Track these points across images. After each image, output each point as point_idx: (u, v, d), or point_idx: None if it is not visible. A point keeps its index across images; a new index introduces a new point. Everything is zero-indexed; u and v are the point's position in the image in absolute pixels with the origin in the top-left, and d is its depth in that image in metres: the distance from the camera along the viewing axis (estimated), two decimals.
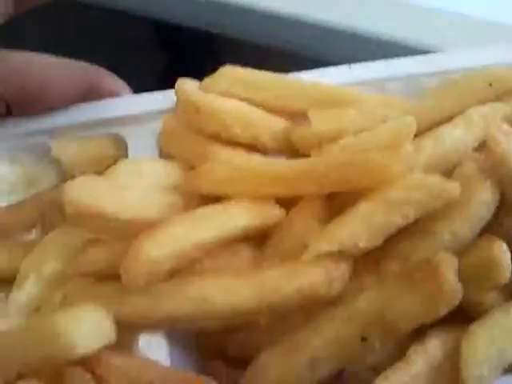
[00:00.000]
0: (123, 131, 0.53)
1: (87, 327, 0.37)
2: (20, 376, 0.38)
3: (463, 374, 0.37)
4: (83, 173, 0.50)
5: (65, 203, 0.38)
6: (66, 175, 0.53)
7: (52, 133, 0.53)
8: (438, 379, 0.38)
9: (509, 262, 0.40)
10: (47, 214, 0.47)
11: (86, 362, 0.38)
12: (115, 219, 0.40)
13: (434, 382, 0.38)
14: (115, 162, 0.51)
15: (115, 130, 0.53)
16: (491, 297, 0.42)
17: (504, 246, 0.41)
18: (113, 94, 0.54)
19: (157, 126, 0.52)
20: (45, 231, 0.48)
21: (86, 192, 0.39)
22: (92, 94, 0.54)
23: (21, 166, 0.54)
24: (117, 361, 0.37)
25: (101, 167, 0.51)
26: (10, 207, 0.50)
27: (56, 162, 0.53)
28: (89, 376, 0.37)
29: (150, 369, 0.37)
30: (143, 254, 0.38)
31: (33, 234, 0.49)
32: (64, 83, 0.53)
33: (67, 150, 0.51)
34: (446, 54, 0.55)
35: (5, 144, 0.54)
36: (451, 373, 0.38)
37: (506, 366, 0.39)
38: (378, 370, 0.40)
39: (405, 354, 0.39)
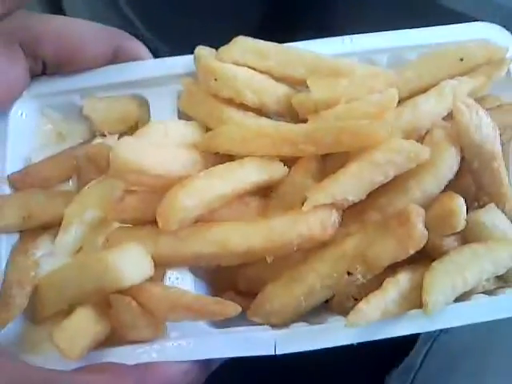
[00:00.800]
0: (146, 92, 0.59)
1: (131, 263, 0.46)
2: (72, 306, 0.47)
3: (424, 299, 0.47)
4: (111, 130, 0.58)
5: (113, 159, 0.46)
6: (94, 132, 0.59)
7: (81, 93, 0.59)
8: (406, 304, 0.49)
9: (465, 213, 0.50)
10: (83, 166, 0.54)
11: (130, 292, 0.47)
12: (150, 173, 0.48)
13: (403, 306, 0.48)
14: (139, 120, 0.58)
15: (139, 91, 0.59)
16: (449, 241, 0.52)
17: (462, 201, 0.50)
18: (136, 57, 0.59)
19: (176, 88, 0.59)
20: (80, 182, 0.55)
21: (130, 150, 0.46)
22: (118, 56, 0.59)
23: (51, 122, 0.60)
24: (157, 290, 0.47)
25: (126, 125, 0.59)
26: (47, 160, 0.56)
27: (83, 120, 0.59)
28: (134, 303, 0.46)
29: (185, 295, 0.46)
30: (177, 202, 0.46)
31: (69, 185, 0.56)
32: (96, 46, 0.57)
33: (97, 109, 0.58)
34: (425, 30, 0.62)
35: (38, 101, 0.59)
36: (416, 299, 0.48)
37: (458, 295, 0.50)
38: (359, 299, 0.49)
39: (381, 287, 0.50)
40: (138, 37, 0.61)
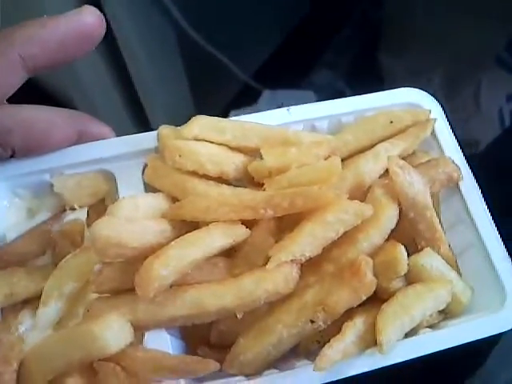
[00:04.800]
0: (112, 167, 0.63)
1: (115, 331, 0.50)
2: (62, 375, 0.50)
3: (378, 340, 0.53)
4: (81, 204, 0.62)
5: (94, 236, 0.50)
6: (64, 206, 0.63)
7: (51, 172, 0.63)
8: (363, 345, 0.55)
9: (406, 259, 0.57)
10: (58, 241, 0.58)
11: (113, 358, 0.50)
12: (128, 246, 0.52)
13: (360, 347, 0.54)
14: (106, 193, 0.62)
15: (105, 166, 0.63)
16: (395, 283, 0.58)
17: (403, 249, 0.58)
18: (99, 137, 0.64)
19: (141, 162, 0.64)
20: (56, 256, 0.58)
21: (109, 227, 0.50)
22: (82, 138, 0.63)
23: (22, 199, 0.63)
24: (139, 354, 0.50)
25: (95, 198, 0.63)
26: (22, 237, 0.59)
27: (52, 195, 0.63)
28: (119, 368, 0.50)
29: (168, 357, 0.50)
30: (154, 272, 0.51)
31: (44, 258, 0.59)
32: (62, 132, 0.61)
33: (67, 186, 0.61)
34: (360, 97, 0.70)
35: (8, 183, 0.62)
36: (371, 338, 0.54)
37: (406, 332, 0.56)
38: (322, 342, 0.56)
39: (340, 329, 0.55)
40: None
